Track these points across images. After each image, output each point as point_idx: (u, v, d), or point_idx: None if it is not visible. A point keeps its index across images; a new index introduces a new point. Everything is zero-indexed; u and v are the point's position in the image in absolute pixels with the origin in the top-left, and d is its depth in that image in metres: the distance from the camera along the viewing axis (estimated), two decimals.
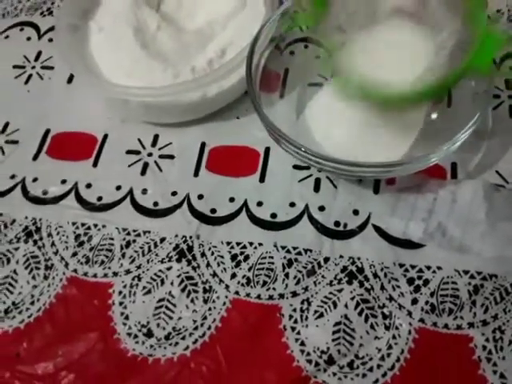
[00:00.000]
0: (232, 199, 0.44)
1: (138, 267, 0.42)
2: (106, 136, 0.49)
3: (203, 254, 0.42)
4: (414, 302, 0.38)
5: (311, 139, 0.44)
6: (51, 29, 0.57)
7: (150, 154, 0.47)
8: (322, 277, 0.40)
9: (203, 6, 0.49)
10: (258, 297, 0.39)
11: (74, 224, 0.44)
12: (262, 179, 0.45)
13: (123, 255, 0.43)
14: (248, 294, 0.40)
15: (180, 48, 0.46)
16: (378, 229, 0.41)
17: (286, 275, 0.40)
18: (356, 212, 0.42)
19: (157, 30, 0.46)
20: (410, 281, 0.39)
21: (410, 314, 0.38)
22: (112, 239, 0.43)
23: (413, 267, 0.40)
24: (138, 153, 0.47)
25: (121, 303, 0.40)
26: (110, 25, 0.48)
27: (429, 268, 0.39)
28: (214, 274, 0.41)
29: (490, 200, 0.41)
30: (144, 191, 0.45)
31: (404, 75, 0.38)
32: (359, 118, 0.44)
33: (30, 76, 0.54)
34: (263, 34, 0.44)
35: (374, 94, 0.38)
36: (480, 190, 0.42)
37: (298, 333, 0.38)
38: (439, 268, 0.39)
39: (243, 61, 0.43)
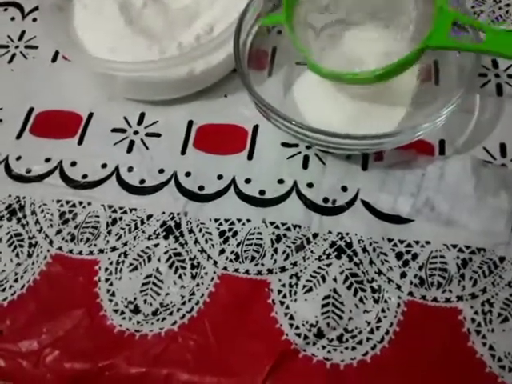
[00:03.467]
0: (220, 176, 0.44)
1: (125, 244, 0.41)
2: (91, 114, 0.48)
3: (191, 231, 0.41)
4: (403, 275, 0.38)
5: (299, 117, 0.44)
6: (35, 9, 0.55)
7: (136, 132, 0.47)
8: (311, 252, 0.40)
9: None
10: (247, 272, 0.39)
11: (58, 202, 0.43)
12: (250, 157, 0.44)
13: (109, 232, 0.42)
14: (236, 270, 0.39)
15: (166, 25, 0.45)
16: (366, 204, 0.41)
17: (275, 250, 0.40)
18: (344, 188, 0.42)
19: (143, 7, 0.46)
20: (399, 255, 0.39)
21: (398, 287, 0.38)
22: (98, 217, 0.43)
23: (401, 242, 0.40)
24: (123, 131, 0.47)
25: (107, 280, 0.40)
26: (94, 2, 0.47)
27: (417, 242, 0.39)
28: (202, 251, 0.40)
29: (478, 175, 0.41)
30: (130, 169, 0.45)
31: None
32: (346, 95, 0.44)
33: (13, 55, 0.53)
34: (250, 10, 0.44)
35: (343, 75, 0.39)
36: (468, 165, 0.42)
37: (287, 307, 0.38)
38: (428, 242, 0.39)
39: (231, 37, 0.42)
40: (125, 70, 0.42)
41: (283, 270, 0.39)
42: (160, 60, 0.43)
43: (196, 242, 0.41)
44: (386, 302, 0.37)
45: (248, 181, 0.43)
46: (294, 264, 0.39)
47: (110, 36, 0.45)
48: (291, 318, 0.37)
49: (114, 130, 0.47)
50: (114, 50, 0.44)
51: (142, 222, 0.42)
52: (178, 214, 0.42)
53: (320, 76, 0.41)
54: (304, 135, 0.39)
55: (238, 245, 0.40)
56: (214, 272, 0.39)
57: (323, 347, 0.36)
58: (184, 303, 0.38)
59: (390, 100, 0.44)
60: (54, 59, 0.52)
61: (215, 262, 0.40)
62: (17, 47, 0.53)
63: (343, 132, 0.40)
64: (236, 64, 0.41)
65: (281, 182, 0.43)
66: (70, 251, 0.41)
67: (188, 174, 0.44)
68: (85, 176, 0.44)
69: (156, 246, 0.41)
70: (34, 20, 0.55)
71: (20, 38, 0.54)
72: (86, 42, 0.46)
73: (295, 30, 0.41)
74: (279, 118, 0.39)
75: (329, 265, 0.39)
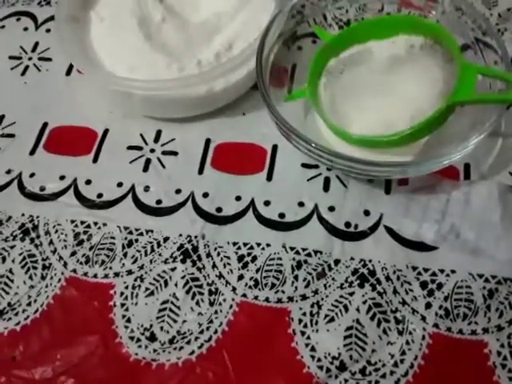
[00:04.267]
0: (238, 198, 0.42)
1: (141, 267, 0.40)
2: (106, 131, 0.47)
3: (209, 255, 0.40)
4: (428, 306, 0.37)
5: (320, 137, 0.43)
6: (49, 19, 0.54)
7: (152, 150, 0.45)
8: (333, 279, 0.39)
9: None
10: (267, 300, 0.38)
11: (72, 222, 0.42)
12: (269, 178, 0.43)
13: (125, 255, 0.41)
14: (256, 297, 0.38)
15: (185, 41, 0.44)
16: (389, 230, 0.40)
17: (296, 277, 0.39)
18: (367, 213, 0.41)
19: (161, 21, 0.45)
20: (424, 284, 0.38)
21: (423, 318, 0.37)
22: (113, 238, 0.42)
23: (426, 270, 0.38)
24: (140, 148, 0.46)
25: (122, 305, 0.39)
26: (112, 15, 0.46)
27: (442, 271, 0.38)
28: (220, 276, 0.39)
29: (504, 202, 0.40)
30: (146, 188, 0.44)
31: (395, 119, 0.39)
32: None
33: (26, 67, 0.52)
34: (273, 28, 0.43)
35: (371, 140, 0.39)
36: (494, 191, 0.41)
37: (308, 337, 0.37)
38: (453, 271, 0.38)
39: (251, 55, 0.41)
40: (143, 88, 0.41)
41: (304, 297, 0.38)
42: (179, 79, 0.42)
43: (214, 266, 0.40)
44: (410, 333, 0.36)
45: (267, 203, 0.42)
46: (315, 292, 0.38)
47: (129, 52, 0.44)
48: (312, 349, 0.36)
49: (130, 148, 0.46)
50: (132, 68, 0.43)
51: (159, 245, 0.41)
52: (196, 237, 0.41)
53: (348, 142, 0.40)
54: (325, 159, 0.38)
55: (257, 270, 0.39)
56: (233, 299, 0.38)
57: (346, 381, 0.35)
58: (202, 332, 0.37)
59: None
60: (69, 72, 0.51)
61: (234, 289, 0.39)
62: (30, 59, 0.52)
63: (366, 155, 0.40)
64: (258, 82, 0.40)
65: (301, 204, 0.42)
66: (85, 274, 0.40)
67: (206, 195, 0.43)
68: (100, 195, 0.43)
69: (173, 270, 0.40)
70: (48, 31, 0.54)
71: (33, 50, 0.53)
72: (103, 58, 0.45)
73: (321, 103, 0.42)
74: (300, 140, 0.38)
75: (351, 294, 0.38)
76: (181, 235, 0.41)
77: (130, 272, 0.40)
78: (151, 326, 0.38)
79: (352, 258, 0.39)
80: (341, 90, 0.43)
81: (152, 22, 0.45)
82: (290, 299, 0.38)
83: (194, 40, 0.44)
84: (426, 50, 0.42)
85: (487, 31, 0.41)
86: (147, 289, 0.39)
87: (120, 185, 0.44)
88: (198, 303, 0.38)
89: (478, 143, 0.37)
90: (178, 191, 0.43)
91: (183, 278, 0.39)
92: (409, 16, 0.45)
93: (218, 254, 0.40)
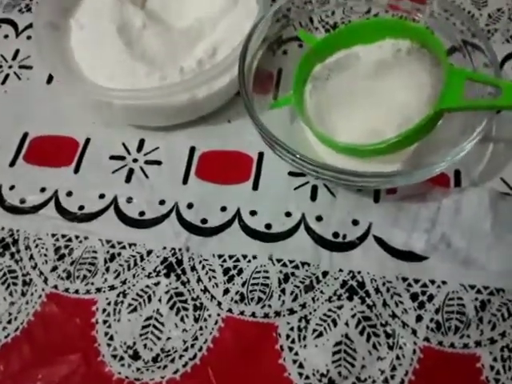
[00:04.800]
0: (224, 208, 0.41)
1: (123, 282, 0.39)
2: (88, 140, 0.46)
3: (193, 268, 0.39)
4: (419, 319, 0.36)
5: (307, 144, 0.41)
6: (30, 26, 0.53)
7: (135, 160, 0.44)
8: (321, 292, 0.37)
9: (191, 3, 0.46)
10: (253, 315, 0.37)
11: (53, 236, 0.41)
12: (255, 186, 0.42)
13: (107, 269, 0.40)
14: (242, 312, 0.37)
15: (167, 48, 0.43)
16: (379, 240, 0.39)
17: (283, 291, 0.38)
18: (356, 222, 0.40)
19: (142, 28, 0.43)
20: (414, 296, 0.37)
21: (414, 332, 0.36)
22: (95, 252, 0.40)
23: (416, 281, 0.37)
24: (122, 158, 0.44)
25: (105, 322, 0.38)
26: (91, 22, 0.45)
27: (433, 282, 0.37)
28: (205, 290, 0.38)
29: (496, 209, 0.39)
30: (129, 200, 0.42)
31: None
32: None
33: (7, 76, 0.50)
34: (256, 33, 0.42)
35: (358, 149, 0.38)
36: (485, 198, 0.40)
37: (296, 354, 0.35)
38: (444, 282, 0.37)
39: (235, 61, 0.40)
40: (122, 97, 0.40)
41: (292, 312, 0.37)
42: (160, 87, 0.40)
43: (199, 280, 0.39)
44: (400, 348, 0.35)
45: (253, 213, 0.41)
46: (303, 306, 0.37)
47: (109, 61, 0.42)
48: (300, 365, 0.35)
49: (113, 158, 0.45)
50: (112, 77, 0.42)
51: (142, 258, 0.40)
52: (180, 250, 0.40)
53: (335, 150, 0.39)
54: (310, 169, 0.37)
55: (243, 284, 0.38)
56: (218, 314, 0.37)
57: None
58: (186, 349, 0.36)
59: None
60: (50, 81, 0.49)
61: (219, 304, 0.37)
62: (10, 67, 0.51)
63: (354, 164, 0.39)
64: (240, 91, 0.39)
65: (288, 214, 0.41)
66: (66, 290, 0.39)
67: (190, 206, 0.42)
68: (81, 207, 0.42)
69: (156, 284, 0.39)
70: (29, 38, 0.53)
71: (14, 58, 0.52)
72: (83, 67, 0.44)
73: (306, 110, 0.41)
74: (284, 151, 0.37)
75: (340, 307, 0.37)
76: (165, 248, 0.40)
77: (112, 287, 0.39)
78: (134, 343, 0.37)
79: (340, 270, 0.38)
80: (327, 96, 0.42)
81: (132, 29, 0.43)
82: (277, 314, 0.37)
83: (177, 47, 0.43)
84: (413, 55, 0.41)
85: (476, 33, 0.40)
86: (130, 305, 0.38)
87: (102, 196, 0.43)
88: (182, 319, 0.37)
89: (468, 150, 0.36)
90: (162, 202, 0.42)
91: (167, 292, 0.38)
92: (395, 19, 0.44)
93: (203, 267, 0.39)
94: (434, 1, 0.43)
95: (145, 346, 0.37)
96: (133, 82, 0.41)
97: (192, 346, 0.36)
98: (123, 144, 0.45)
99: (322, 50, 0.43)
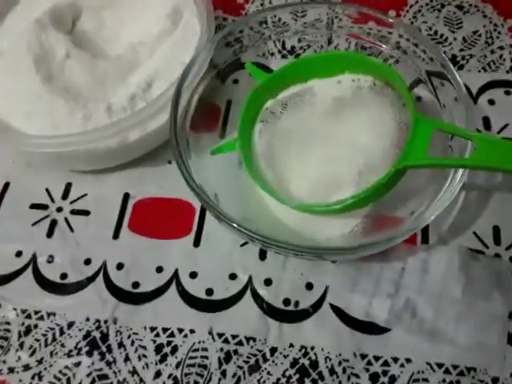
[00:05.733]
0: (160, 269, 0.36)
1: (40, 362, 0.33)
2: (6, 185, 0.40)
3: (121, 345, 0.34)
4: None
5: (257, 194, 0.36)
6: None
7: (59, 209, 0.39)
8: (268, 373, 0.32)
9: (127, 25, 0.40)
10: None
11: None
12: (196, 243, 0.37)
13: (21, 345, 0.34)
14: None
15: (94, 80, 0.37)
16: (335, 308, 0.34)
17: (223, 373, 0.32)
18: (310, 286, 0.35)
19: (65, 58, 0.37)
20: (374, 377, 0.32)
21: None
22: (8, 324, 0.35)
23: (377, 359, 0.33)
24: (45, 207, 0.39)
25: None
26: (8, 49, 0.38)
27: (396, 360, 0.33)
28: (134, 372, 0.33)
29: (467, 272, 0.35)
30: (50, 259, 0.37)
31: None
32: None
33: None
34: (197, 64, 0.36)
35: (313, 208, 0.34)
36: (455, 258, 0.35)
37: None
38: (408, 360, 0.32)
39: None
40: (38, 145, 0.34)
41: None
42: (84, 133, 0.34)
43: (127, 359, 0.33)
44: None
45: (193, 275, 0.36)
46: None
47: (25, 96, 0.36)
48: None
49: (33, 206, 0.39)
50: (29, 115, 0.36)
51: (62, 332, 0.34)
52: (106, 322, 0.34)
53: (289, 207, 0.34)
54: (249, 239, 0.32)
55: (177, 365, 0.33)
56: None
57: None
58: None
59: None
60: None
61: None
62: None
63: (307, 220, 0.34)
64: (171, 137, 0.33)
65: (233, 277, 0.35)
66: None
67: (120, 266, 0.36)
68: None
69: (77, 365, 0.33)
70: None
71: None
72: None
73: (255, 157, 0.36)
74: (216, 212, 0.31)
75: None
76: (88, 319, 0.34)
77: (26, 367, 0.33)
78: None
79: (291, 345, 0.33)
80: (279, 137, 0.37)
81: (53, 59, 0.37)
82: None
83: (105, 80, 0.37)
84: (376, 93, 0.36)
85: (443, 63, 0.35)
86: None
87: (19, 254, 0.37)
88: None
89: (439, 211, 0.31)
90: (88, 261, 0.36)
91: (89, 375, 0.33)
92: (355, 53, 0.38)
93: (133, 343, 0.34)
94: (400, 27, 0.38)
95: None
96: (53, 122, 0.36)
97: None
98: (46, 190, 0.39)
99: (273, 84, 0.37)
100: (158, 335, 0.34)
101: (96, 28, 0.41)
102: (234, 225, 0.30)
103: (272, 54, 0.44)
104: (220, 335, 0.33)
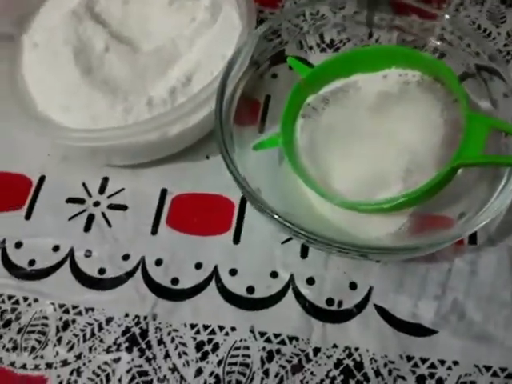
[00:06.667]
0: (199, 265, 0.35)
1: (78, 357, 0.33)
2: (42, 178, 0.39)
3: (161, 341, 0.33)
4: None
5: (298, 191, 0.35)
6: None
7: (96, 204, 0.38)
8: (311, 374, 0.32)
9: (158, 18, 0.39)
10: None
11: None
12: (236, 239, 0.36)
13: (59, 340, 0.34)
14: None
15: (134, 73, 0.36)
16: (380, 309, 0.33)
17: (266, 373, 0.32)
18: (353, 285, 0.34)
19: (104, 50, 0.37)
20: (421, 380, 0.31)
21: None
22: (46, 318, 0.34)
23: (423, 361, 0.32)
24: (81, 201, 0.38)
25: None
26: (45, 41, 0.38)
27: (443, 363, 0.32)
28: (174, 369, 0.32)
29: None
30: (87, 253, 0.36)
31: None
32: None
33: None
34: (240, 58, 0.35)
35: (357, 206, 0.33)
36: (505, 259, 0.34)
37: None
38: (455, 363, 0.31)
39: (214, 93, 0.34)
40: (77, 139, 0.34)
41: None
42: (124, 127, 0.34)
43: (167, 356, 0.33)
44: None
45: (233, 272, 0.35)
46: None
47: (63, 89, 0.36)
48: None
49: (70, 201, 0.38)
50: (67, 108, 0.35)
51: (100, 328, 0.34)
52: (145, 318, 0.34)
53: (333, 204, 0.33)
54: (293, 234, 0.31)
55: (219, 363, 0.32)
56: None
57: None
58: None
59: None
60: None
61: None
62: None
63: (351, 217, 0.33)
64: (216, 133, 0.33)
65: (274, 275, 0.35)
66: (12, 364, 0.33)
67: (159, 262, 0.35)
68: (32, 262, 0.36)
69: (116, 361, 0.33)
70: None
71: None
72: (34, 94, 0.37)
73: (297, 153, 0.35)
74: (260, 205, 0.30)
75: None
76: (127, 315, 0.34)
77: (65, 363, 0.33)
78: None
79: (335, 346, 0.32)
80: (321, 132, 0.36)
81: (93, 52, 0.37)
82: None
83: (145, 72, 0.37)
84: (424, 88, 0.35)
85: (492, 56, 0.34)
86: None
87: (56, 248, 0.36)
88: None
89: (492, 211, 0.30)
90: (126, 257, 0.36)
91: (129, 371, 0.32)
92: (402, 48, 0.37)
93: (173, 340, 0.33)
94: (444, 19, 0.37)
95: None
96: (91, 115, 0.35)
97: None
98: (83, 184, 0.39)
99: (315, 79, 0.36)
100: (198, 332, 0.33)
101: (122, 21, 0.40)
102: (280, 218, 0.29)
103: (311, 48, 0.42)
104: (262, 334, 0.33)
